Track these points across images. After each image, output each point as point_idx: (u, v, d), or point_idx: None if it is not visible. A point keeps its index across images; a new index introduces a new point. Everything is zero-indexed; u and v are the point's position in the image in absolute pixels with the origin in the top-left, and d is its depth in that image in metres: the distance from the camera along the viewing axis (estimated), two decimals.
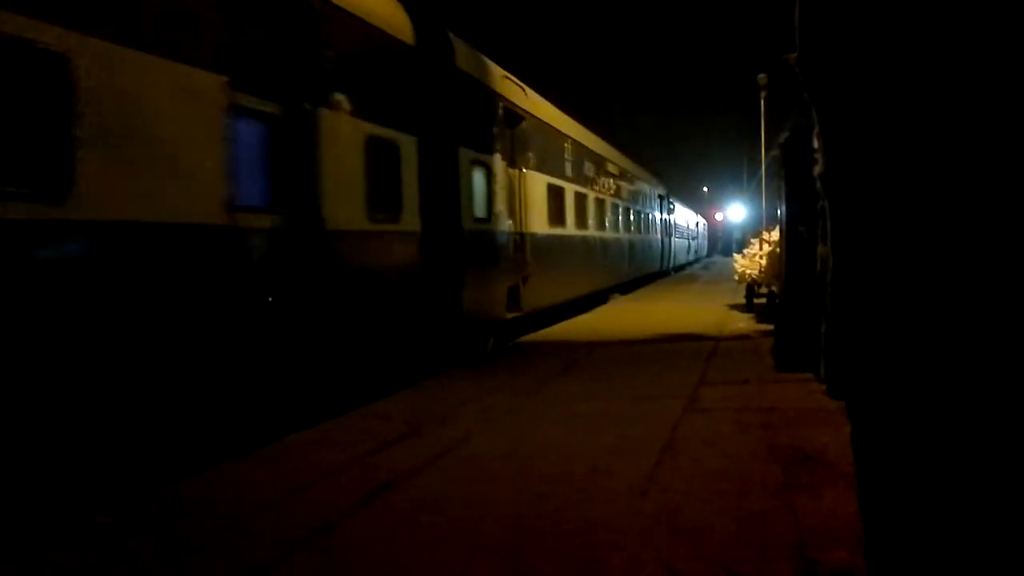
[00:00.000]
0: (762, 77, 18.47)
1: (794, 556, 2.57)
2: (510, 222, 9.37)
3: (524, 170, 10.05)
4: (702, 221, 46.78)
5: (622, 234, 17.81)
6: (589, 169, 14.41)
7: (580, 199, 13.39)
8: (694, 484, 3.37)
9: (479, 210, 8.35)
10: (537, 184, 10.67)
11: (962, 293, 1.09)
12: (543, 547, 2.75)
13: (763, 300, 10.89)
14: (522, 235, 9.81)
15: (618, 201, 17.27)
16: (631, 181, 19.50)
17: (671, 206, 27.59)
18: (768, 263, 9.81)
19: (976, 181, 1.07)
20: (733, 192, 51.80)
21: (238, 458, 4.02)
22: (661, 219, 25.23)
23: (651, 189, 23.54)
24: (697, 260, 40.10)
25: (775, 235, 9.24)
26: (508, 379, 6.33)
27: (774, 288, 9.33)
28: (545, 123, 11.50)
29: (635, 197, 20.08)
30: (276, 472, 3.81)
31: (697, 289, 18.27)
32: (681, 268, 30.87)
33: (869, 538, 1.26)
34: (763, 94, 18.56)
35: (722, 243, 51.67)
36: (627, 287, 17.72)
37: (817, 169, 1.29)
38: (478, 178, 8.34)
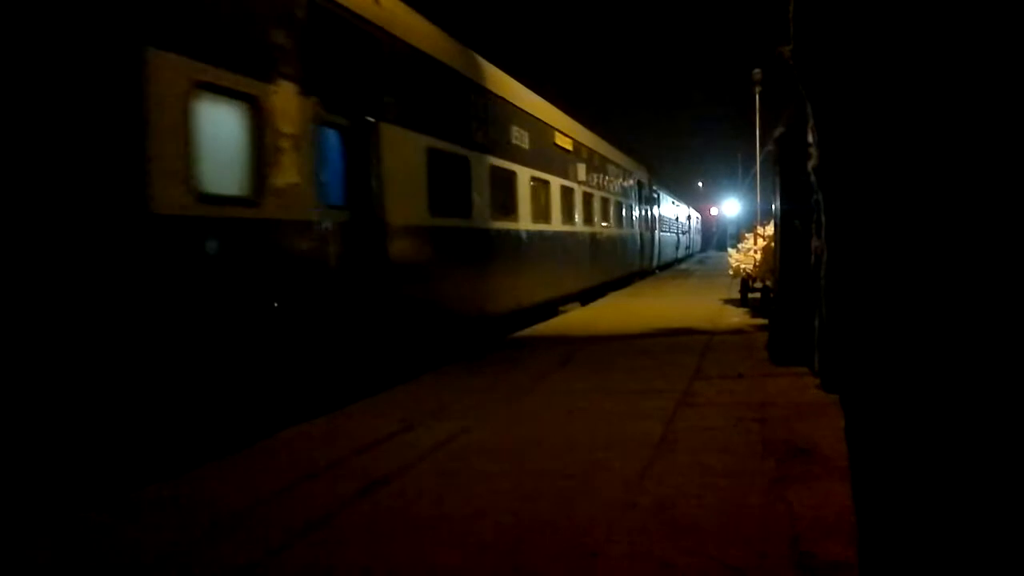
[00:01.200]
0: (757, 72, 18.52)
1: (789, 549, 2.57)
2: (332, 204, 5.64)
3: (374, 121, 6.22)
4: (695, 214, 44.53)
5: (580, 227, 13.69)
6: (520, 137, 10.30)
7: (502, 178, 9.44)
8: (689, 478, 3.37)
9: (221, 180, 4.50)
10: (405, 148, 6.75)
11: (956, 286, 1.09)
12: (538, 542, 2.75)
13: (757, 295, 10.91)
14: (379, 226, 6.21)
15: (573, 185, 13.21)
16: (597, 161, 15.48)
17: (655, 195, 24.03)
18: (762, 258, 9.83)
19: (971, 174, 1.07)
20: (728, 187, 51.97)
21: (230, 454, 4.01)
22: (642, 210, 21.27)
23: (628, 174, 19.45)
24: (689, 256, 38.00)
25: (769, 230, 9.26)
26: (503, 374, 6.33)
27: (768, 283, 9.35)
28: (426, 56, 7.44)
29: (604, 182, 16.09)
30: (270, 468, 3.80)
31: (692, 284, 18.30)
32: (669, 266, 28.37)
33: (862, 531, 1.26)
34: (758, 89, 18.62)
35: (717, 238, 51.74)
36: (593, 293, 14.42)
37: (811, 163, 1.29)
38: (221, 119, 4.51)
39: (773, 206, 6.88)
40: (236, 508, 3.19)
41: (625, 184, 19.00)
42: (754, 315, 10.06)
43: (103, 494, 3.36)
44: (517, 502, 3.17)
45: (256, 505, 3.23)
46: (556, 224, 12.14)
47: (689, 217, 39.61)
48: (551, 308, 11.72)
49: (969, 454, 1.10)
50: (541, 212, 11.32)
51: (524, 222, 10.40)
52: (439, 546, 2.76)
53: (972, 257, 1.07)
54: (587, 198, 14.39)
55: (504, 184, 9.65)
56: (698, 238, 46.80)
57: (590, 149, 15.03)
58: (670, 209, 29.83)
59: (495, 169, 9.22)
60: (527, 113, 10.89)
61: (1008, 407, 1.06)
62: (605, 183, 16.32)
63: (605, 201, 16.13)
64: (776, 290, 6.86)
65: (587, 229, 14.34)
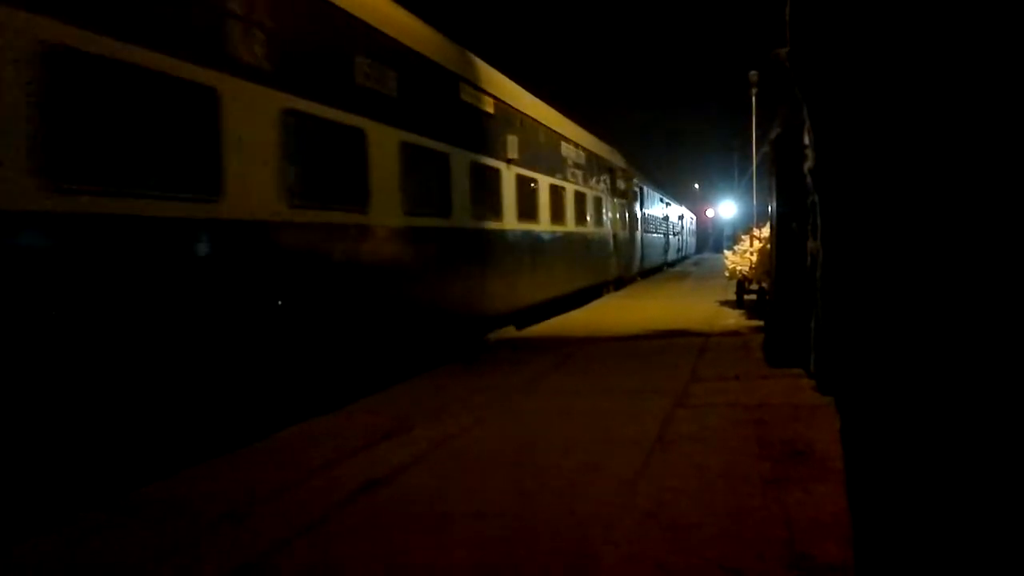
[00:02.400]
0: (753, 74, 18.58)
1: (784, 551, 2.58)
2: None
3: None
4: (688, 214, 41.93)
5: (510, 224, 9.79)
6: (377, 77, 6.35)
7: (325, 138, 5.63)
8: (685, 479, 3.38)
9: None
10: None
11: (952, 288, 1.09)
12: (535, 542, 2.76)
13: (753, 296, 10.93)
14: None
15: (498, 164, 9.37)
16: (542, 137, 11.61)
17: (636, 189, 20.56)
18: (758, 259, 9.85)
19: (967, 176, 1.07)
20: (724, 189, 52.08)
21: (229, 454, 4.01)
22: (617, 205, 17.82)
23: (596, 160, 15.59)
24: (682, 259, 35.42)
25: (765, 231, 9.28)
26: (501, 375, 6.33)
27: (764, 284, 9.37)
28: None
29: (555, 165, 12.28)
30: (267, 468, 3.80)
31: (688, 286, 18.32)
32: (656, 270, 25.44)
33: (858, 532, 1.27)
34: (754, 91, 18.67)
35: (713, 240, 51.79)
36: (538, 311, 11.01)
37: (807, 165, 1.29)
38: None
39: (769, 208, 6.90)
40: (234, 507, 3.19)
41: (592, 172, 15.08)
42: (750, 317, 10.08)
43: (102, 494, 3.36)
44: (515, 502, 3.17)
45: (254, 504, 3.23)
46: (461, 218, 8.17)
47: (681, 217, 36.30)
48: (465, 334, 8.31)
49: (964, 455, 1.11)
50: (428, 200, 7.38)
51: (382, 214, 6.35)
52: (437, 546, 2.76)
53: (968, 259, 1.08)
54: (524, 184, 10.41)
55: (332, 150, 5.73)
56: (692, 240, 44.53)
57: (529, 119, 10.88)
58: (657, 206, 26.40)
59: (297, 118, 5.19)
60: (391, 41, 6.67)
61: (1004, 408, 1.07)
62: (557, 167, 12.43)
63: (557, 191, 12.29)
64: (772, 292, 6.88)
65: (525, 226, 10.49)
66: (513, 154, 9.95)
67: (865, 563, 1.26)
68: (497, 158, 9.41)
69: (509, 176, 9.83)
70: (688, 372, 6.14)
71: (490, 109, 9.24)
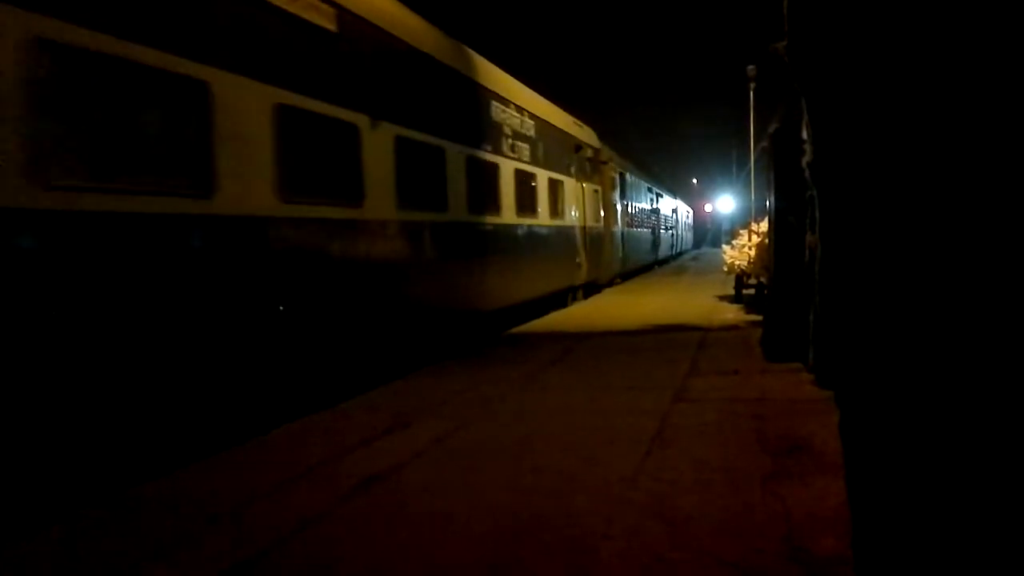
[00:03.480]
0: (751, 69, 18.53)
1: (783, 545, 2.58)
2: None
3: None
4: (685, 208, 39.63)
5: (384, 215, 6.46)
6: None
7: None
8: (684, 474, 3.38)
9: None
10: None
11: (950, 282, 1.09)
12: (533, 538, 2.76)
13: (752, 291, 10.93)
14: None
15: (353, 118, 5.97)
16: (459, 90, 8.45)
17: (617, 177, 17.64)
18: (757, 254, 9.85)
19: (965, 169, 1.07)
20: (722, 184, 52.00)
21: (225, 451, 4.01)
22: (590, 193, 14.61)
23: (553, 132, 12.26)
24: (677, 255, 32.45)
25: (764, 226, 9.28)
26: (500, 370, 6.33)
27: (763, 279, 9.37)
28: None
29: (491, 136, 9.28)
30: (267, 464, 3.80)
31: (686, 281, 18.33)
32: (646, 268, 22.43)
33: (857, 526, 1.27)
34: (752, 85, 18.62)
35: (711, 235, 51.72)
36: (474, 321, 8.46)
37: (806, 159, 1.29)
38: None
39: (767, 202, 6.90)
40: (233, 504, 3.19)
41: (547, 149, 11.75)
42: (748, 311, 10.08)
43: (101, 491, 3.36)
44: (514, 498, 3.17)
45: (253, 501, 3.23)
46: (235, 203, 4.65)
47: (675, 210, 32.71)
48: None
49: (962, 449, 1.11)
50: (202, 176, 4.37)
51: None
52: (436, 542, 2.77)
53: (966, 252, 1.08)
54: (416, 154, 7.08)
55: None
56: (689, 235, 42.47)
57: (429, 58, 7.61)
58: (645, 197, 23.07)
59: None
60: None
61: (1001, 402, 1.07)
62: (485, 135, 9.14)
63: (483, 168, 8.91)
64: (770, 286, 6.88)
65: (422, 216, 7.23)
66: (414, 115, 7.08)
67: (864, 557, 1.26)
68: (353, 108, 6.05)
69: (380, 140, 6.43)
70: (687, 367, 6.14)
71: (351, 36, 6.01)
